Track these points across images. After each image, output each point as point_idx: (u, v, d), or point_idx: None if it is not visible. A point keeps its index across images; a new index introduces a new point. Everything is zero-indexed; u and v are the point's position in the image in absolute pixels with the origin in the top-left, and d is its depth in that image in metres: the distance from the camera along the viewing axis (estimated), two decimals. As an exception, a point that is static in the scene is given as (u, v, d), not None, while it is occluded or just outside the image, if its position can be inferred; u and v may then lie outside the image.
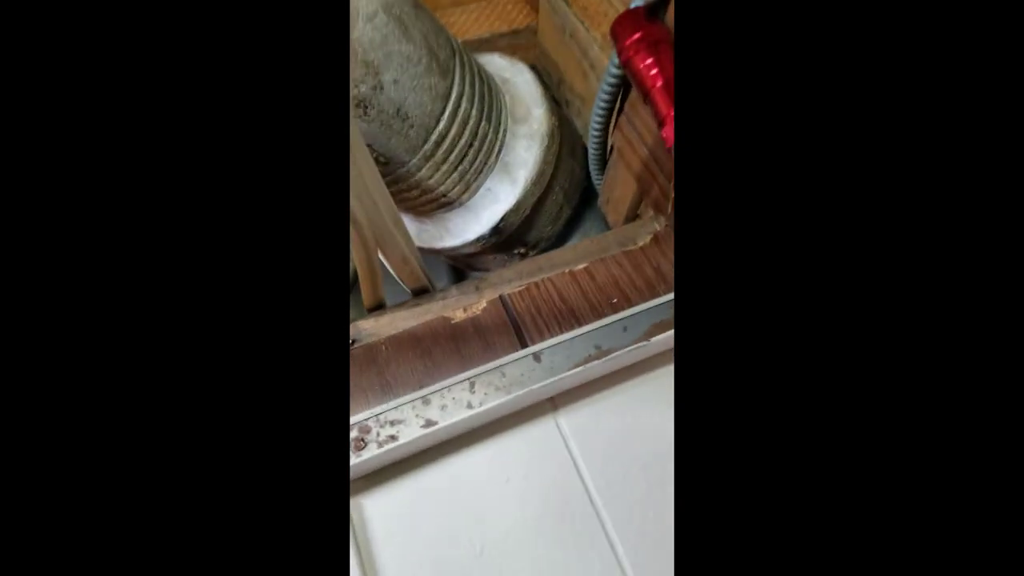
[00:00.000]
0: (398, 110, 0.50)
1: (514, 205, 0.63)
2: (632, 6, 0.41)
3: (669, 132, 0.38)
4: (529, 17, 0.75)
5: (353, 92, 0.46)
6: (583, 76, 0.67)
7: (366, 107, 0.48)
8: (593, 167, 0.65)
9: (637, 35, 0.40)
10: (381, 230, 0.42)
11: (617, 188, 0.63)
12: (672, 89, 0.38)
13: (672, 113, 0.38)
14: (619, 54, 0.41)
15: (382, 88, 0.48)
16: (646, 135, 0.52)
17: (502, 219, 0.63)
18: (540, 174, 0.63)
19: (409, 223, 0.69)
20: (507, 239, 0.68)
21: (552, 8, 0.68)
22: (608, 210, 0.68)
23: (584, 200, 0.77)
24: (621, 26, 0.41)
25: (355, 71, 0.45)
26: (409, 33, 0.48)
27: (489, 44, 0.75)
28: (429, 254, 0.73)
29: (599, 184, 0.68)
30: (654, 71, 0.39)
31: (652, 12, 0.41)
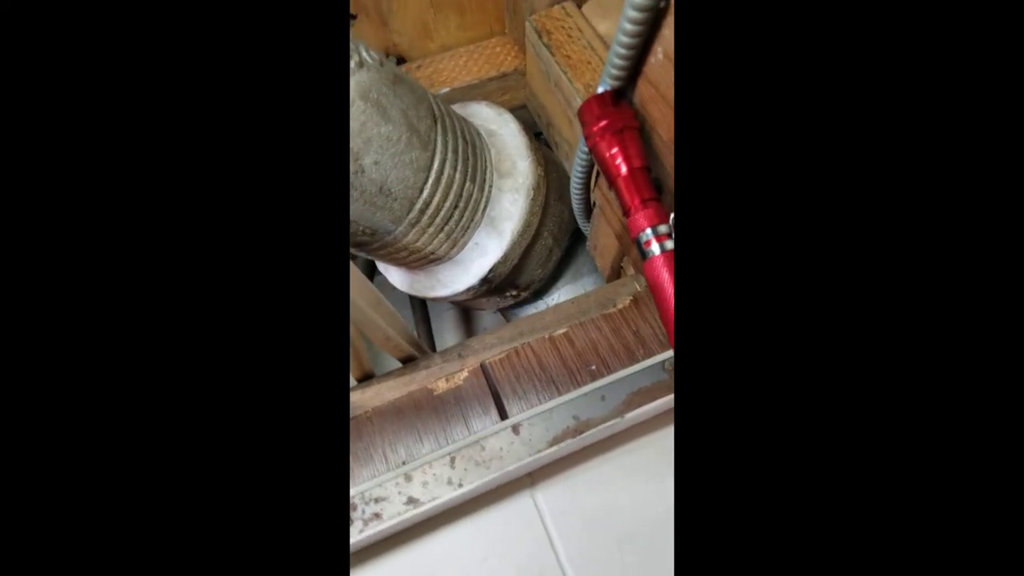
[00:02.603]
0: (380, 188, 0.51)
1: (502, 257, 0.64)
2: (599, 90, 0.42)
3: (634, 221, 0.38)
4: (517, 59, 0.76)
5: (334, 175, 0.48)
6: (569, 123, 0.68)
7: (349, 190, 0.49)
8: (579, 216, 0.65)
9: (604, 123, 0.40)
10: (361, 319, 0.44)
11: (601, 239, 0.63)
12: (636, 179, 0.39)
13: (636, 203, 0.38)
14: (586, 139, 0.42)
15: (363, 171, 0.49)
16: (624, 199, 0.53)
17: (491, 270, 0.64)
18: (527, 225, 0.64)
19: (402, 275, 0.71)
20: (498, 285, 0.70)
21: (537, 55, 0.69)
22: (596, 255, 0.69)
23: (576, 238, 0.78)
24: (588, 112, 0.41)
25: (334, 156, 0.47)
26: (388, 114, 0.50)
27: (479, 88, 0.76)
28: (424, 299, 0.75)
29: (586, 230, 0.69)
30: (619, 160, 0.40)
31: (619, 96, 0.42)
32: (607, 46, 0.61)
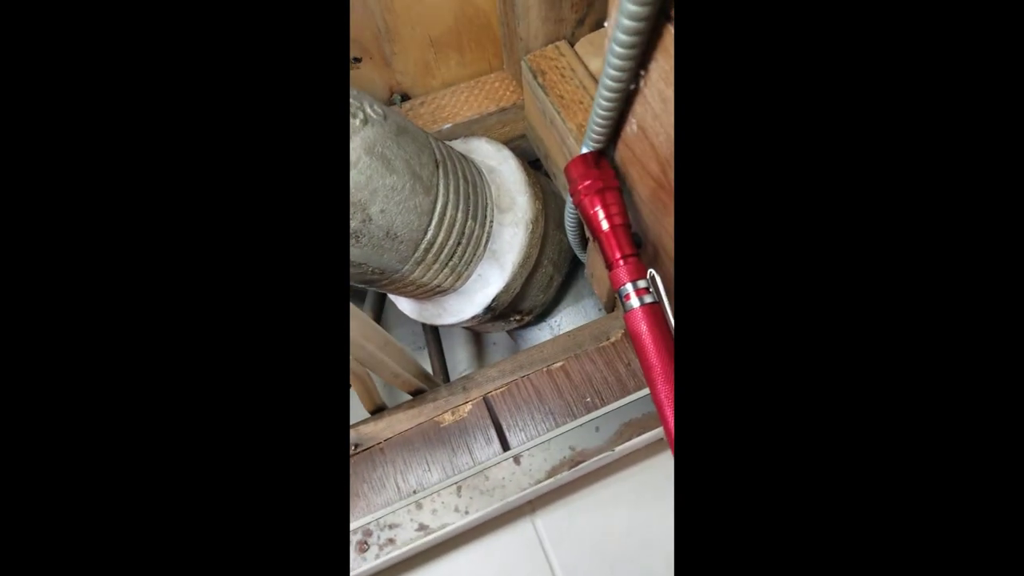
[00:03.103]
0: (387, 233, 0.55)
1: (504, 287, 0.68)
2: (583, 151, 0.45)
3: (615, 276, 0.42)
4: (516, 94, 0.79)
5: (343, 227, 0.52)
6: (564, 158, 0.71)
7: (358, 237, 0.53)
8: (576, 248, 0.69)
9: (588, 182, 0.44)
10: (370, 360, 0.48)
11: (597, 269, 0.67)
12: (618, 236, 0.42)
13: (617, 258, 0.42)
14: (571, 196, 0.45)
15: (371, 219, 0.53)
16: (614, 238, 0.56)
17: (494, 300, 0.68)
18: (527, 257, 0.68)
19: (410, 304, 0.75)
20: (502, 312, 0.74)
21: (533, 93, 0.72)
22: (593, 283, 0.73)
23: (576, 263, 0.81)
24: (574, 170, 0.45)
25: (343, 211, 0.51)
26: (392, 165, 0.54)
27: (480, 123, 0.79)
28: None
29: (584, 259, 0.72)
30: (601, 217, 0.43)
31: (601, 156, 0.45)
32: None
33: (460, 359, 1.03)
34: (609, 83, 0.35)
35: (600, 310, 0.81)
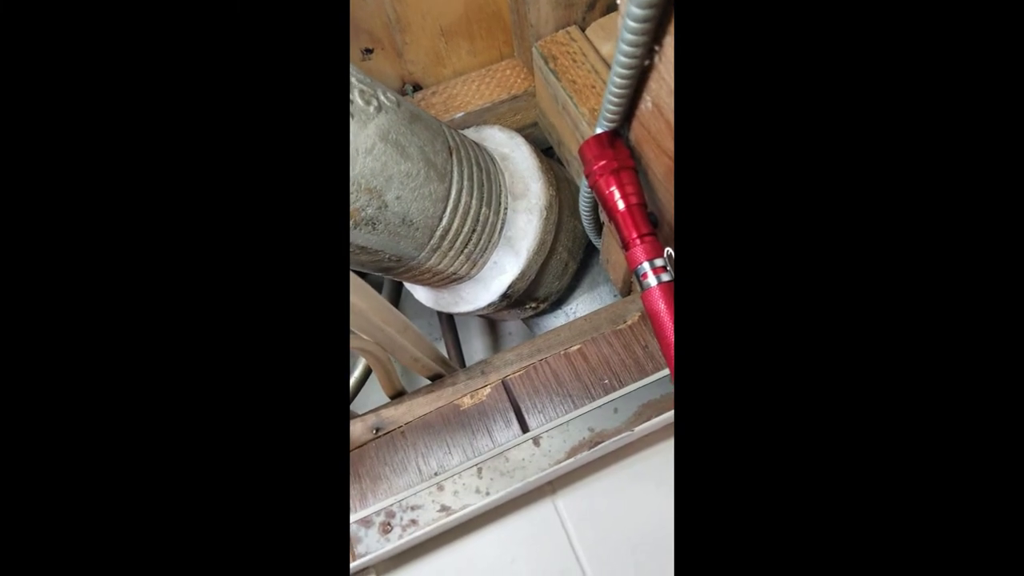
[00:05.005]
0: (403, 219, 0.56)
1: (519, 274, 0.68)
2: (597, 131, 0.45)
3: (632, 256, 0.42)
4: (527, 81, 0.79)
5: (361, 214, 0.53)
6: (577, 143, 0.71)
7: (374, 224, 0.54)
8: (591, 234, 0.69)
9: (602, 162, 0.44)
10: (390, 344, 0.48)
11: (613, 254, 0.67)
12: (634, 215, 0.42)
13: (634, 237, 0.42)
14: (586, 178, 0.45)
15: (387, 206, 0.54)
16: (629, 221, 0.56)
17: (509, 287, 0.69)
18: (541, 243, 0.68)
19: (426, 292, 0.76)
20: (518, 299, 0.74)
21: (544, 79, 0.72)
22: (608, 269, 0.73)
23: (590, 250, 0.81)
24: (588, 151, 0.45)
25: (361, 198, 0.52)
26: (406, 152, 0.54)
27: (491, 111, 0.79)
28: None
29: (599, 244, 0.72)
30: (617, 198, 0.43)
31: (615, 136, 0.45)
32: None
33: (476, 349, 1.04)
34: (623, 59, 0.35)
35: (615, 296, 0.81)
